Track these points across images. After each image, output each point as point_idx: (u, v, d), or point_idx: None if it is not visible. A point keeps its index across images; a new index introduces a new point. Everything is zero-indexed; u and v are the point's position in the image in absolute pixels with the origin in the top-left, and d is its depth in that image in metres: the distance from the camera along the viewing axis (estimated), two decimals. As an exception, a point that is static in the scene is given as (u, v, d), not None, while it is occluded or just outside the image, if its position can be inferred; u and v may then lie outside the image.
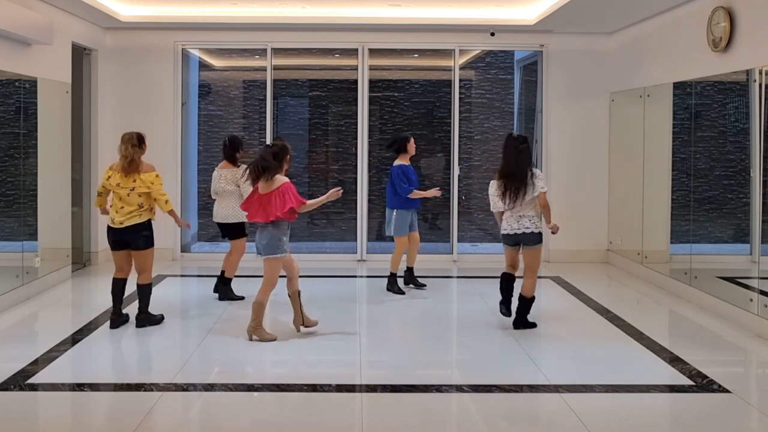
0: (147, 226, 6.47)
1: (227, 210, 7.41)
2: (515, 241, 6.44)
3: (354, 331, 6.54)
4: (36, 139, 7.73)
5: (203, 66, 10.62)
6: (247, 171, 6.11)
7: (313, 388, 5.08)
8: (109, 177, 6.43)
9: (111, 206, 6.47)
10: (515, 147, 6.43)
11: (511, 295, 6.56)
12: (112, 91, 9.75)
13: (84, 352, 5.97)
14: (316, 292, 7.79)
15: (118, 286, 6.51)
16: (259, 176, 6.02)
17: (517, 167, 6.35)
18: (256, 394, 5.09)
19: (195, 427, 4.69)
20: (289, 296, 6.32)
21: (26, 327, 6.93)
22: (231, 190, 7.38)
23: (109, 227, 6.46)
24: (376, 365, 5.75)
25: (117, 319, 6.48)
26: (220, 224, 7.55)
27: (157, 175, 6.44)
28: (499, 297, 6.56)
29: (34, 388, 5.09)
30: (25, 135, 7.58)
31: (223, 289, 7.57)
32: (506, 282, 6.55)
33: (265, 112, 10.00)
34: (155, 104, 9.87)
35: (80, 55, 9.27)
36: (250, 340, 6.11)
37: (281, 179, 6.05)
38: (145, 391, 5.00)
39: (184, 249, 10.08)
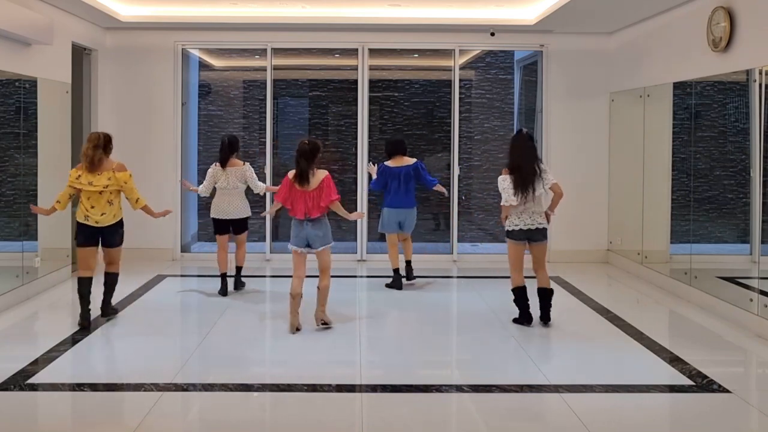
0: (121, 224, 6.65)
1: (239, 205, 7.72)
2: (527, 236, 6.56)
3: (354, 331, 6.54)
4: (36, 139, 7.73)
5: (203, 66, 10.62)
6: (295, 177, 6.33)
7: (313, 388, 5.08)
8: (79, 176, 6.44)
9: (79, 205, 6.49)
10: (524, 142, 6.61)
11: (529, 305, 6.64)
12: (112, 91, 9.75)
13: (84, 352, 5.97)
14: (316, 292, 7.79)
15: (88, 285, 6.55)
16: (306, 179, 6.32)
17: (525, 162, 6.50)
18: (256, 394, 5.09)
19: (195, 427, 4.69)
20: (320, 289, 6.44)
21: (26, 327, 6.93)
22: (242, 187, 7.71)
23: (82, 224, 6.50)
24: (376, 365, 5.74)
25: (89, 317, 6.48)
26: (231, 220, 7.73)
27: (130, 175, 6.56)
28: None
29: (34, 388, 5.09)
30: (25, 135, 7.58)
31: (238, 279, 7.95)
32: (524, 294, 6.63)
33: (265, 112, 9.99)
34: (155, 104, 9.87)
35: (80, 55, 9.27)
36: (321, 325, 6.41)
37: (322, 172, 6.43)
38: (145, 391, 5.00)
39: (184, 249, 10.08)
